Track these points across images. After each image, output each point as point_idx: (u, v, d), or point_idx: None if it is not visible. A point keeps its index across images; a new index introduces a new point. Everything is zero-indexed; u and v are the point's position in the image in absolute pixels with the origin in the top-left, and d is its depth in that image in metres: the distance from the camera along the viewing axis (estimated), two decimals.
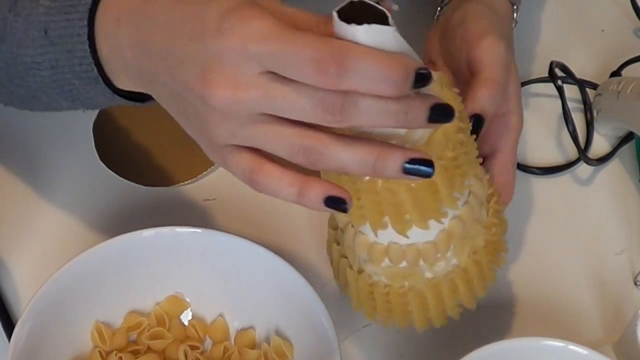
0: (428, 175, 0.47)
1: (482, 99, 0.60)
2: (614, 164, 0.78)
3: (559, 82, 0.80)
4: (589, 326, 0.68)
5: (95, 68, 0.53)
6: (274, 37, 0.45)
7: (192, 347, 0.62)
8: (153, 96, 0.53)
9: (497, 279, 0.70)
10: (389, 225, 0.54)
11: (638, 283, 0.70)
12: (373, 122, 0.46)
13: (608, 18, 0.90)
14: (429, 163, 0.47)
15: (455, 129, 0.52)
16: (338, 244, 0.60)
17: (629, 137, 0.79)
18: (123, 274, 0.61)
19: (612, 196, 0.76)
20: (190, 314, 0.63)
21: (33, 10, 0.54)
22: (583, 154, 0.76)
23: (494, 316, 0.68)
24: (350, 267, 0.58)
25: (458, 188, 0.54)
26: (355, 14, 0.46)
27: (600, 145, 0.79)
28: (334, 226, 0.60)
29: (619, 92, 0.73)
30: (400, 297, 0.58)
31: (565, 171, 0.77)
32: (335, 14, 0.46)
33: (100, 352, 0.60)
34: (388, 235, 0.55)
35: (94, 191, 0.73)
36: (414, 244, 0.55)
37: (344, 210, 0.47)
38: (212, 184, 0.73)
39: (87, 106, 0.58)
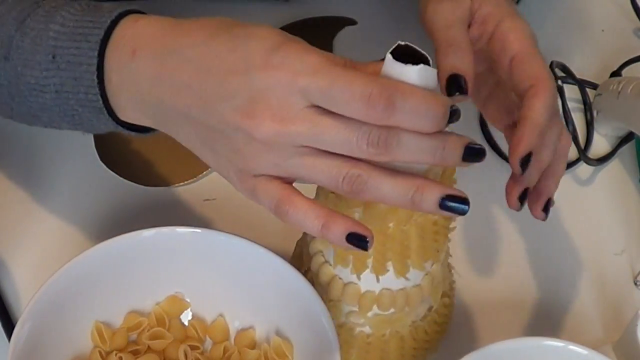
0: (463, 213, 0.49)
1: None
2: (614, 164, 0.78)
3: (559, 82, 0.80)
4: (589, 326, 0.68)
5: (100, 99, 0.53)
6: (324, 72, 0.47)
7: (192, 347, 0.62)
8: (164, 129, 0.53)
9: (498, 279, 0.70)
10: (389, 268, 0.55)
11: (638, 283, 0.70)
12: (413, 157, 0.48)
13: (608, 18, 0.90)
14: (464, 201, 0.49)
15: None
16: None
17: (629, 137, 0.79)
18: (123, 274, 0.61)
19: (612, 196, 0.76)
20: (190, 314, 0.63)
21: (42, 32, 0.54)
22: (583, 154, 0.76)
23: (494, 316, 0.68)
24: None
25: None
26: (399, 56, 0.48)
27: (600, 145, 0.79)
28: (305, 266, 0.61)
29: (619, 92, 0.73)
30: (382, 344, 0.60)
31: (565, 171, 0.77)
32: (389, 55, 0.48)
33: (100, 352, 0.60)
34: (371, 282, 0.56)
35: (94, 191, 0.73)
36: (403, 288, 0.57)
37: (365, 248, 0.49)
38: (212, 184, 0.73)
39: (88, 131, 0.58)
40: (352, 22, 0.86)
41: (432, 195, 0.48)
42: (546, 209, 0.59)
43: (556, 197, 0.75)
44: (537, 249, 0.72)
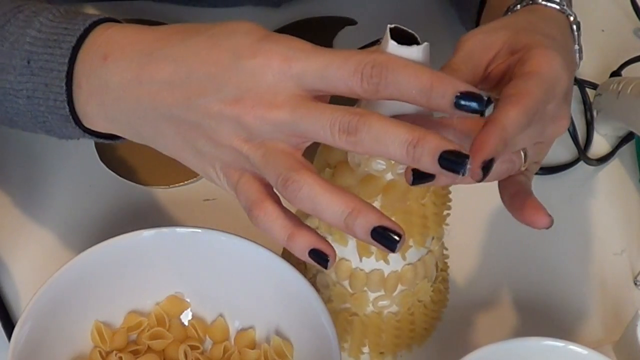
0: (392, 249, 0.46)
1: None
2: (614, 164, 0.78)
3: None
4: (589, 326, 0.68)
5: (67, 107, 0.53)
6: (317, 54, 0.47)
7: (192, 347, 0.62)
8: (137, 137, 0.53)
9: (497, 279, 0.70)
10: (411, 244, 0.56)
11: (638, 283, 0.70)
12: (384, 149, 0.46)
13: (608, 18, 0.90)
14: (397, 235, 0.46)
15: (421, 194, 0.55)
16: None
17: (629, 137, 0.79)
18: (123, 274, 0.61)
19: (612, 196, 0.76)
20: (190, 314, 0.63)
21: (20, 37, 0.54)
22: (583, 154, 0.76)
23: (494, 316, 0.68)
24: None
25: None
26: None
27: (600, 145, 0.79)
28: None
29: (619, 92, 0.73)
30: (379, 323, 0.61)
31: (565, 171, 0.77)
32: (388, 33, 0.48)
33: (100, 352, 0.60)
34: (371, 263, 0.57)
35: (94, 191, 0.73)
36: (413, 263, 0.58)
37: (325, 266, 0.48)
38: (212, 184, 0.73)
39: (62, 137, 0.57)
40: (352, 22, 0.86)
41: (365, 222, 0.46)
42: (486, 167, 0.48)
43: (556, 197, 0.76)
44: (536, 248, 0.72)
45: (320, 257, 0.48)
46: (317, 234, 0.49)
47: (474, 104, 0.45)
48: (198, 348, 0.62)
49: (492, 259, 0.71)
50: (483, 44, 0.54)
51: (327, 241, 0.48)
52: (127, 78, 0.50)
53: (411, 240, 0.56)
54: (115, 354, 0.60)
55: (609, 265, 0.72)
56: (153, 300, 0.63)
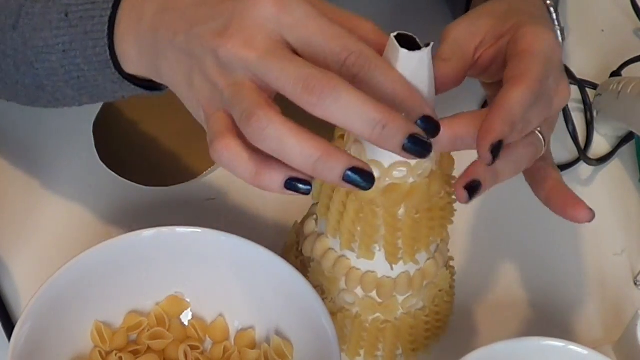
0: (365, 188, 0.46)
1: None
2: (614, 164, 0.78)
3: None
4: (589, 326, 0.68)
5: (107, 50, 0.54)
6: (313, 16, 0.47)
7: (192, 347, 0.62)
8: (154, 71, 0.53)
9: (497, 279, 0.70)
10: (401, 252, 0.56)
11: (638, 283, 0.70)
12: (346, 122, 0.45)
13: (608, 18, 0.90)
14: (369, 176, 0.46)
15: (440, 188, 0.55)
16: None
17: (629, 137, 0.79)
18: (123, 274, 0.61)
19: (612, 196, 0.76)
20: (190, 314, 0.63)
21: None
22: (583, 154, 0.76)
23: (494, 316, 0.68)
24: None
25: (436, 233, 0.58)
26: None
27: (600, 145, 0.79)
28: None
29: (619, 92, 0.73)
30: (377, 331, 0.60)
31: (565, 171, 0.77)
32: (393, 38, 0.48)
33: (100, 352, 0.60)
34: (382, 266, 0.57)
35: (94, 191, 0.73)
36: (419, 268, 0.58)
37: (306, 193, 0.47)
38: (212, 184, 0.73)
39: (93, 97, 0.58)
40: None
41: (337, 164, 0.45)
42: (495, 150, 0.49)
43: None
44: (536, 248, 0.72)
45: (298, 186, 0.47)
46: (287, 165, 0.46)
47: (431, 129, 0.46)
48: (198, 348, 0.62)
49: (492, 259, 0.71)
50: (468, 32, 0.54)
51: (300, 170, 0.47)
52: (155, 9, 0.51)
53: (433, 234, 0.57)
54: (115, 354, 0.60)
55: (609, 265, 0.72)
56: (153, 300, 0.63)
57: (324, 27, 0.47)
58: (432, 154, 0.50)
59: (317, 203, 0.59)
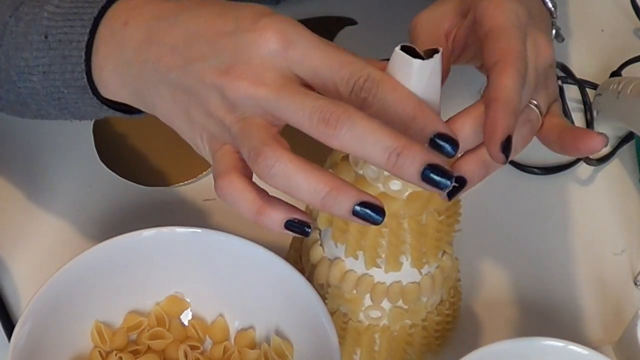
0: (376, 223, 0.45)
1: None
2: (614, 164, 0.78)
3: (559, 82, 0.80)
4: (589, 326, 0.68)
5: (85, 76, 0.53)
6: (317, 46, 0.47)
7: (192, 347, 0.62)
8: (142, 103, 0.52)
9: (497, 279, 0.70)
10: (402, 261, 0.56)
11: (638, 283, 0.70)
12: (362, 151, 0.45)
13: (608, 18, 0.90)
14: (379, 211, 0.45)
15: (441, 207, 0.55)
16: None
17: (629, 137, 0.79)
18: (123, 274, 0.61)
19: (612, 196, 0.76)
20: (190, 314, 0.63)
21: (36, 15, 0.54)
22: None
23: (494, 316, 0.68)
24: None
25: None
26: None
27: None
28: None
29: (619, 92, 0.73)
30: (387, 338, 0.60)
31: (565, 171, 0.77)
32: (403, 53, 0.48)
33: (100, 352, 0.60)
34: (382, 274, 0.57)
35: (94, 191, 0.73)
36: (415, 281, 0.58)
37: (306, 234, 0.47)
38: (212, 184, 0.73)
39: (76, 116, 0.57)
40: (352, 22, 0.86)
41: (346, 200, 0.45)
42: (505, 148, 0.48)
43: (556, 197, 0.76)
44: (536, 248, 0.72)
45: (300, 227, 0.47)
46: (290, 204, 0.47)
47: (448, 147, 0.45)
48: (198, 348, 0.62)
49: (491, 259, 0.71)
50: (434, 19, 0.54)
51: (301, 210, 0.47)
52: (139, 40, 0.51)
53: (452, 230, 0.57)
54: (115, 354, 0.60)
55: (609, 265, 0.72)
56: (153, 300, 0.63)
57: (331, 55, 0.47)
58: None
59: (318, 229, 0.59)
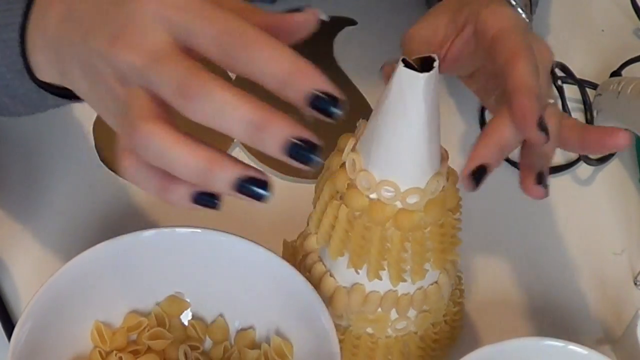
0: (260, 198, 0.43)
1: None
2: (614, 164, 0.78)
3: (559, 82, 0.80)
4: (589, 326, 0.68)
5: (22, 59, 0.52)
6: (192, 5, 0.44)
7: (192, 347, 0.62)
8: (68, 81, 0.51)
9: (497, 279, 0.70)
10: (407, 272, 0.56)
11: (638, 283, 0.70)
12: (223, 125, 0.42)
13: (608, 18, 0.90)
14: (264, 185, 0.43)
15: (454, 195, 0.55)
16: None
17: None
18: (123, 274, 0.61)
19: (612, 196, 0.76)
20: (190, 314, 0.63)
21: None
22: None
23: (494, 316, 0.68)
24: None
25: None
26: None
27: None
28: None
29: (619, 92, 0.73)
30: (386, 349, 0.60)
31: (565, 171, 0.77)
32: (407, 68, 0.48)
33: (100, 352, 0.60)
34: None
35: (94, 191, 0.73)
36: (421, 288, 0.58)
37: (215, 207, 0.45)
38: None
39: (26, 106, 0.56)
40: (352, 22, 0.86)
41: (225, 174, 0.42)
42: (540, 181, 0.53)
43: (556, 197, 0.76)
44: (536, 248, 0.72)
45: (210, 200, 0.44)
46: (190, 184, 0.44)
47: (329, 106, 0.42)
48: (198, 348, 0.62)
49: (491, 259, 0.71)
50: (428, 31, 0.56)
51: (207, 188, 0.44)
52: (59, 17, 0.49)
53: (457, 231, 0.57)
54: (115, 354, 0.60)
55: (609, 265, 0.72)
56: (153, 300, 0.63)
57: (204, 12, 0.43)
58: (442, 168, 0.50)
59: (322, 262, 0.59)
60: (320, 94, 0.42)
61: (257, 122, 0.41)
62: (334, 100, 0.42)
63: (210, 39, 0.43)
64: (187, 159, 0.42)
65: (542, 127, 0.49)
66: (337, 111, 0.42)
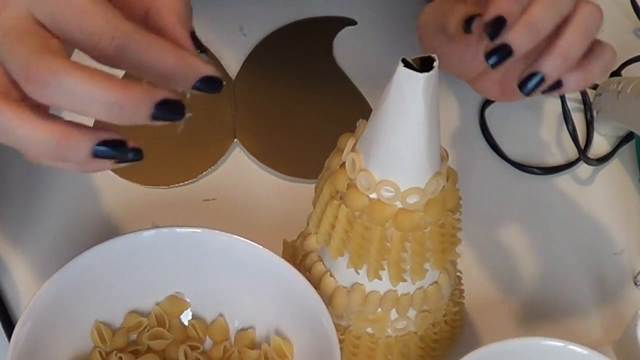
0: (122, 158, 0.43)
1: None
2: (614, 164, 0.78)
3: None
4: (589, 326, 0.68)
5: None
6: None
7: (192, 347, 0.62)
8: None
9: (497, 279, 0.70)
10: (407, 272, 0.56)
11: (638, 283, 0.70)
12: (79, 108, 0.41)
13: (608, 18, 0.89)
14: (120, 144, 0.43)
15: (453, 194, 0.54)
16: None
17: (629, 137, 0.79)
18: (123, 274, 0.61)
19: (612, 196, 0.76)
20: (190, 314, 0.63)
21: None
22: (583, 154, 0.76)
23: (493, 316, 0.68)
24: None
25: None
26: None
27: (600, 145, 0.79)
28: None
29: (619, 92, 0.73)
30: (386, 348, 0.60)
31: (565, 171, 0.77)
32: (407, 69, 0.48)
33: (100, 352, 0.60)
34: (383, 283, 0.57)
35: (94, 191, 0.73)
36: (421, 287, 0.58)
37: (133, 158, 0.45)
38: (212, 184, 0.73)
39: None
40: (352, 22, 0.86)
41: (81, 146, 0.42)
42: (528, 80, 0.50)
43: (556, 197, 0.76)
44: (536, 248, 0.72)
45: (116, 150, 0.44)
46: (95, 129, 0.43)
47: (212, 88, 0.43)
48: (198, 348, 0.62)
49: (490, 259, 0.71)
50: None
51: (113, 132, 0.44)
52: None
53: (457, 231, 0.57)
54: (116, 354, 0.60)
55: (608, 265, 0.72)
56: (153, 300, 0.63)
57: (72, 2, 0.42)
58: (442, 168, 0.50)
59: (322, 261, 0.59)
60: (205, 81, 0.43)
61: (119, 101, 0.41)
62: (217, 82, 0.43)
63: (88, 34, 0.42)
64: (36, 130, 0.41)
65: (494, 27, 0.48)
66: (220, 90, 0.43)
